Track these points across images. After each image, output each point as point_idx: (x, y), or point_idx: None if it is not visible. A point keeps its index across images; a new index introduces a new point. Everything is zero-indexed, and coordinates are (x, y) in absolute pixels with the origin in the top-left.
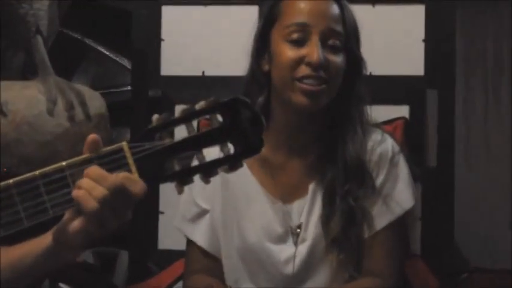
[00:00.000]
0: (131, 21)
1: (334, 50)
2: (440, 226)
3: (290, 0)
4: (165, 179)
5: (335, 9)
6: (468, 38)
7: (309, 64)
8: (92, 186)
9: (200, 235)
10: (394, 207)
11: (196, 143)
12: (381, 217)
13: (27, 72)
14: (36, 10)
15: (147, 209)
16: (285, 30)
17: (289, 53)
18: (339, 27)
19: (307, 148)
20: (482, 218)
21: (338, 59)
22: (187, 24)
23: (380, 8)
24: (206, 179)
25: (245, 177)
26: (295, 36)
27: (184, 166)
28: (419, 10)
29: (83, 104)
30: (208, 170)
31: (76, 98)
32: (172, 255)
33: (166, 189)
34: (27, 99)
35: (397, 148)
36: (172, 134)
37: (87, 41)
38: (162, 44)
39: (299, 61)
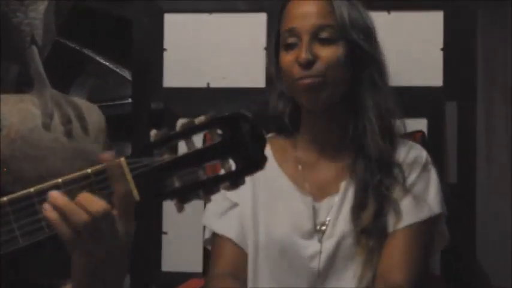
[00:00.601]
0: (132, 30)
1: (325, 42)
2: (461, 245)
3: (286, 10)
4: (165, 196)
5: (323, 6)
6: (490, 46)
7: (300, 64)
8: (69, 209)
9: (229, 227)
10: (423, 208)
11: (197, 158)
12: (408, 214)
13: (22, 84)
14: (31, 19)
15: (150, 229)
16: (281, 38)
17: (285, 57)
18: (327, 21)
19: (337, 147)
20: (505, 237)
21: (331, 50)
22: (191, 33)
23: (395, 15)
24: (207, 196)
25: (276, 174)
26: (288, 41)
27: (184, 183)
28: (438, 17)
29: (81, 118)
30: (209, 187)
31: (73, 111)
32: (176, 278)
33: (170, 209)
34: (22, 113)
35: (430, 159)
36: (173, 150)
37: (86, 51)
38: (165, 54)
39: (294, 63)
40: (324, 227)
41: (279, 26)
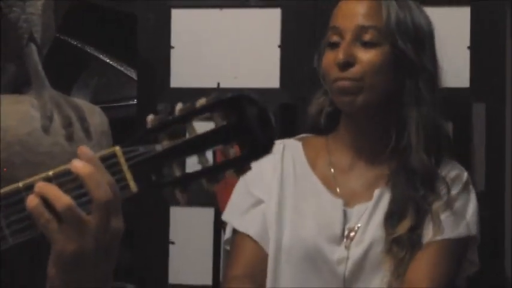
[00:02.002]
0: (137, 27)
1: (367, 45)
2: (488, 259)
3: (335, 9)
4: (165, 186)
5: (371, 6)
6: None
7: (338, 64)
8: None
9: (251, 225)
10: (461, 225)
11: (199, 144)
12: (447, 228)
13: (20, 84)
14: (28, 15)
15: (156, 239)
16: (326, 36)
17: (327, 56)
18: (372, 22)
19: (373, 153)
20: None
21: (373, 53)
22: (200, 30)
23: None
24: (211, 184)
25: (307, 174)
26: (331, 39)
27: (185, 171)
28: (464, 13)
29: (83, 120)
30: (212, 175)
31: (74, 113)
32: None
33: (177, 217)
34: (20, 115)
35: (471, 181)
36: (173, 136)
37: (88, 48)
38: (172, 52)
39: (333, 63)
40: (352, 233)
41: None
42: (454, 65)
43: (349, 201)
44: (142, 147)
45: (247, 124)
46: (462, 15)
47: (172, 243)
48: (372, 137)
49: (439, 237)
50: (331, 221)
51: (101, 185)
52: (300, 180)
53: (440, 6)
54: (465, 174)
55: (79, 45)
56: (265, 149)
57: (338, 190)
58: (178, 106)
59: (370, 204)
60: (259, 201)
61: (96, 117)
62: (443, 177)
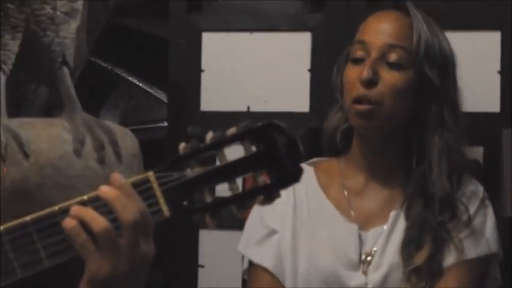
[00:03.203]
0: (168, 50)
1: (393, 66)
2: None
3: (363, 23)
4: (196, 212)
5: (401, 25)
6: None
7: (361, 82)
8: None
9: (266, 256)
10: (481, 244)
11: (229, 172)
12: (467, 249)
13: (52, 107)
14: (62, 38)
15: (186, 263)
16: (351, 50)
17: (350, 71)
18: (401, 42)
19: (388, 175)
20: None
21: (397, 75)
22: (230, 53)
23: (449, 36)
24: (241, 211)
25: (320, 200)
26: (356, 54)
27: (216, 197)
28: (495, 37)
29: (114, 143)
30: (242, 202)
31: (106, 136)
32: None
33: (207, 240)
34: (52, 138)
35: (486, 195)
36: (204, 163)
37: (118, 70)
38: (202, 75)
39: (356, 79)
40: (369, 258)
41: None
42: (484, 90)
43: (364, 225)
44: (175, 173)
45: (276, 152)
46: (492, 39)
47: (202, 266)
48: (386, 157)
49: (459, 260)
50: (347, 246)
51: (127, 208)
52: (313, 206)
53: (471, 30)
54: (481, 190)
55: (109, 67)
56: (293, 177)
57: (352, 213)
58: (209, 135)
59: (386, 227)
60: (273, 232)
61: (128, 141)
62: (461, 199)
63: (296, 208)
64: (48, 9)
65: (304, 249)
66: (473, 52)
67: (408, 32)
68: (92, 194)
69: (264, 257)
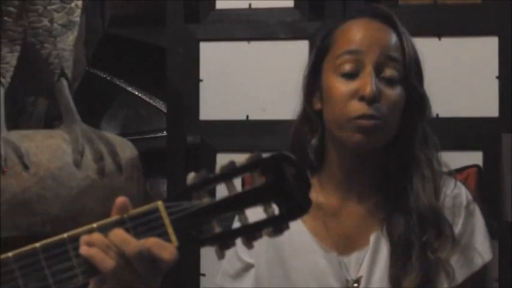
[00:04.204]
0: (166, 59)
1: (390, 82)
2: None
3: (343, 29)
4: (204, 242)
5: (392, 36)
6: None
7: (362, 98)
8: (106, 245)
9: None
10: (474, 259)
11: (238, 202)
12: (460, 269)
13: (51, 119)
14: (60, 50)
15: (187, 271)
16: (337, 62)
17: (341, 87)
18: (396, 55)
19: (364, 194)
20: None
21: (394, 92)
22: (228, 63)
23: (447, 41)
24: (249, 242)
25: (294, 225)
26: (347, 67)
27: (225, 228)
28: (492, 43)
29: (114, 154)
30: (251, 233)
31: (106, 147)
32: None
33: (208, 249)
34: (51, 149)
35: (470, 196)
36: (211, 193)
37: (117, 81)
38: (201, 84)
39: (352, 96)
40: (355, 285)
41: (331, 45)
42: (483, 95)
43: (343, 249)
44: (184, 203)
45: (286, 183)
46: (490, 45)
47: (203, 275)
48: (364, 174)
49: (454, 284)
50: (328, 275)
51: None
52: (287, 234)
53: (469, 36)
54: (463, 193)
55: (108, 77)
56: (303, 208)
57: (330, 237)
58: (219, 165)
59: (368, 250)
60: (248, 266)
61: (127, 151)
62: (444, 213)
63: (269, 238)
64: (46, 21)
65: (283, 282)
66: (471, 58)
67: (398, 42)
68: (101, 222)
69: None
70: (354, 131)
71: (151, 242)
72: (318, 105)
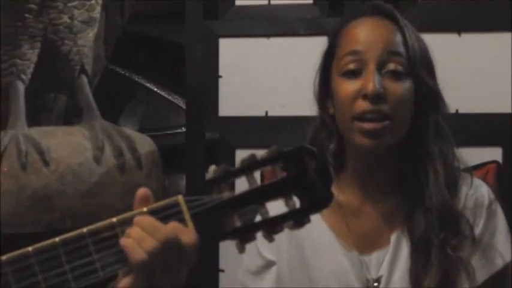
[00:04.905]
0: (185, 56)
1: (395, 76)
2: None
3: (345, 30)
4: (225, 236)
5: (393, 31)
6: None
7: (365, 97)
8: (141, 236)
9: None
10: (495, 259)
11: (259, 196)
12: (481, 270)
13: (71, 116)
14: (80, 47)
15: (206, 267)
16: (340, 63)
17: (346, 87)
18: (398, 49)
19: (384, 194)
20: None
21: (401, 86)
22: (248, 59)
23: (467, 37)
24: (270, 236)
25: (315, 224)
26: (350, 67)
27: (245, 222)
28: (505, 38)
29: (133, 150)
30: (272, 227)
31: (125, 143)
32: None
33: (227, 244)
34: (72, 146)
35: (492, 195)
36: (231, 187)
37: (136, 77)
38: (220, 81)
39: (356, 95)
40: (376, 284)
41: (336, 48)
42: (505, 91)
43: (364, 248)
44: (205, 197)
45: (307, 177)
46: (503, 40)
47: (222, 271)
48: (384, 174)
49: (474, 285)
50: (349, 274)
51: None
52: (309, 232)
53: (481, 32)
54: (484, 193)
55: (127, 74)
56: (324, 202)
57: (351, 237)
58: (240, 158)
59: (389, 250)
60: (270, 263)
61: (147, 147)
62: (465, 214)
63: (291, 235)
64: (66, 18)
65: (305, 280)
66: (485, 54)
67: (400, 37)
68: (121, 216)
69: None
70: (360, 133)
71: (175, 227)
72: (331, 110)
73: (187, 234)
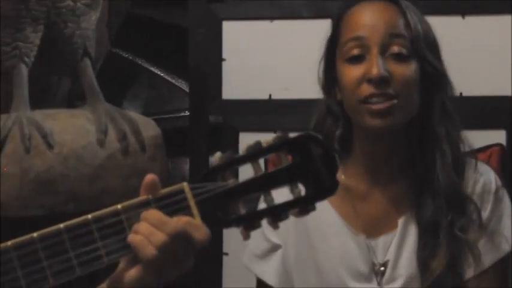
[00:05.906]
0: (188, 39)
1: (399, 58)
2: None
3: (347, 16)
4: (230, 224)
5: (395, 13)
6: None
7: (369, 81)
8: (150, 232)
9: (271, 273)
10: (501, 244)
11: (264, 183)
12: (487, 254)
13: (74, 99)
14: (83, 30)
15: (210, 250)
16: (344, 49)
17: (350, 73)
18: (400, 31)
19: (392, 178)
20: None
21: (405, 67)
22: (251, 42)
23: (471, 20)
24: (275, 223)
25: (323, 207)
26: (353, 52)
27: (250, 209)
28: (505, 21)
29: (137, 133)
30: (277, 214)
31: (129, 127)
32: None
33: (231, 228)
34: (75, 129)
35: (500, 182)
36: (236, 174)
37: (139, 61)
38: (223, 64)
39: (360, 80)
40: (382, 269)
41: (339, 34)
42: (507, 74)
43: (372, 232)
44: (209, 184)
45: (313, 164)
46: (503, 23)
47: (226, 254)
48: (392, 157)
49: (481, 269)
50: (356, 258)
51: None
52: (316, 215)
53: (481, 15)
54: (492, 179)
55: (130, 57)
56: (330, 189)
57: (358, 221)
58: (245, 146)
59: (396, 234)
60: (276, 247)
61: (150, 130)
62: (472, 199)
63: (298, 219)
64: (69, 1)
65: (312, 263)
66: (484, 37)
67: (402, 19)
68: (126, 203)
69: (268, 274)
70: (369, 115)
71: (185, 222)
72: (339, 96)
73: (200, 230)
